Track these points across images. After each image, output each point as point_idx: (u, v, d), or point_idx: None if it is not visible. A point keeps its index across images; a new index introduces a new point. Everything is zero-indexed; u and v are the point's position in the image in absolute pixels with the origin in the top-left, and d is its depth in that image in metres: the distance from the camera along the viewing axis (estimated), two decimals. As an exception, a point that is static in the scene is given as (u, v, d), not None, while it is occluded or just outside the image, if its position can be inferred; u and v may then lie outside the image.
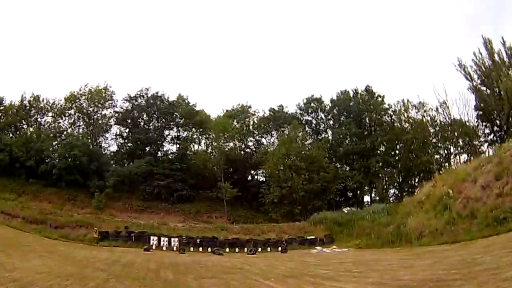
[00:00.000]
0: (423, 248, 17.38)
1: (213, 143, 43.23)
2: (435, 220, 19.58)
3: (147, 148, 43.92)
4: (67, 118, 44.10)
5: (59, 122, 43.96)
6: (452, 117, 37.89)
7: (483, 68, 36.24)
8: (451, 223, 18.18)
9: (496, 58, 35.64)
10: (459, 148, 37.95)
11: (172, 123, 45.12)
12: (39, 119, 43.80)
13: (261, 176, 44.87)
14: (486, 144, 36.94)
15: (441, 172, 29.84)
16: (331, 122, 45.54)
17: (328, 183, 37.66)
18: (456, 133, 37.42)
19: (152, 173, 39.45)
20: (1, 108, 42.83)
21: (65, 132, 42.63)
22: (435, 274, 9.86)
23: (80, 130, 43.71)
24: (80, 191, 37.70)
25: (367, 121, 42.79)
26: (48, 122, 43.99)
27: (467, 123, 37.34)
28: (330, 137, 44.13)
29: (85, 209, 35.33)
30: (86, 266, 14.23)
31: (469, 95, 37.36)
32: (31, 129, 42.35)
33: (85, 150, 38.15)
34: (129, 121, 44.70)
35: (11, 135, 41.95)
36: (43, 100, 43.68)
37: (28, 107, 43.19)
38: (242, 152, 44.85)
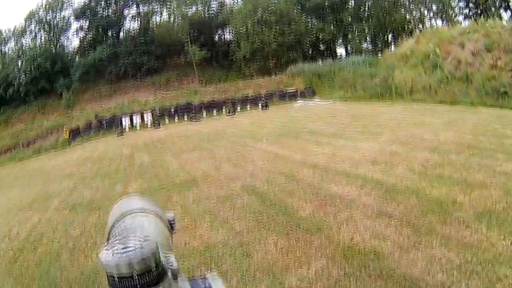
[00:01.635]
0: (421, 104, 16.77)
1: (175, 11, 40.43)
2: (426, 77, 19.05)
3: (109, 33, 41.66)
4: (28, 35, 42.19)
5: (21, 43, 41.62)
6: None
7: None
8: (444, 82, 17.81)
9: None
10: (432, 13, 37.05)
11: (131, 1, 42.05)
12: (3, 50, 42.52)
13: (228, 35, 42.99)
14: (461, 17, 35.79)
15: (421, 30, 28.44)
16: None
17: (301, 36, 36.60)
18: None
19: (116, 55, 37.26)
20: None
21: (27, 48, 40.31)
22: (461, 137, 8.61)
23: (42, 40, 41.73)
24: (48, 97, 35.74)
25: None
26: (11, 48, 42.42)
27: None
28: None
29: (55, 114, 33.57)
30: (54, 179, 11.91)
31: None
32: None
33: (48, 55, 36.48)
34: (87, 12, 41.25)
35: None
36: (4, 31, 42.07)
37: None
38: (206, 15, 41.91)
